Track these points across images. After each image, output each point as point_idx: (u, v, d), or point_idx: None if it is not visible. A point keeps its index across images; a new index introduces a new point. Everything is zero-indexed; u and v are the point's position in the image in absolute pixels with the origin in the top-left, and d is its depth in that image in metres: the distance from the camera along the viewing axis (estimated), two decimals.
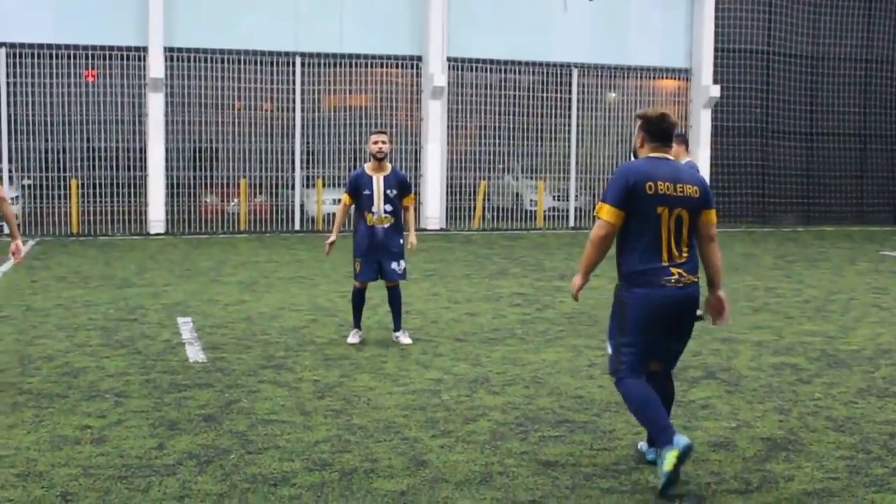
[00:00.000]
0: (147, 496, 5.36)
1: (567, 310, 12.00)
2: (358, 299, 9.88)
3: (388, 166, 9.76)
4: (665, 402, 5.89)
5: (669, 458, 5.36)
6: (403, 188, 9.73)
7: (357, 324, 9.91)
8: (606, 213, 5.62)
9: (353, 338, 9.84)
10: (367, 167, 9.74)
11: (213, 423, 6.79)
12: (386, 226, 9.66)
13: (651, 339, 5.72)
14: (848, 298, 13.24)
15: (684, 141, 11.60)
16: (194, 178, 23.90)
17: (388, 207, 9.64)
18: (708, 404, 7.48)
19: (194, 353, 9.17)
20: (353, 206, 9.86)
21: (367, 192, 9.62)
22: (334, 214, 23.73)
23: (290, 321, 10.99)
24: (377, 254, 9.70)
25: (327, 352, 9.32)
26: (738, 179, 27.82)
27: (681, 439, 5.42)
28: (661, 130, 5.79)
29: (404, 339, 9.84)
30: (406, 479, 5.66)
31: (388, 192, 9.62)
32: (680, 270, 5.65)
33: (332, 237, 9.86)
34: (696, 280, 5.75)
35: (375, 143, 9.61)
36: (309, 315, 11.40)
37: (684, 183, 5.67)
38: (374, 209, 9.62)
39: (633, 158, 5.92)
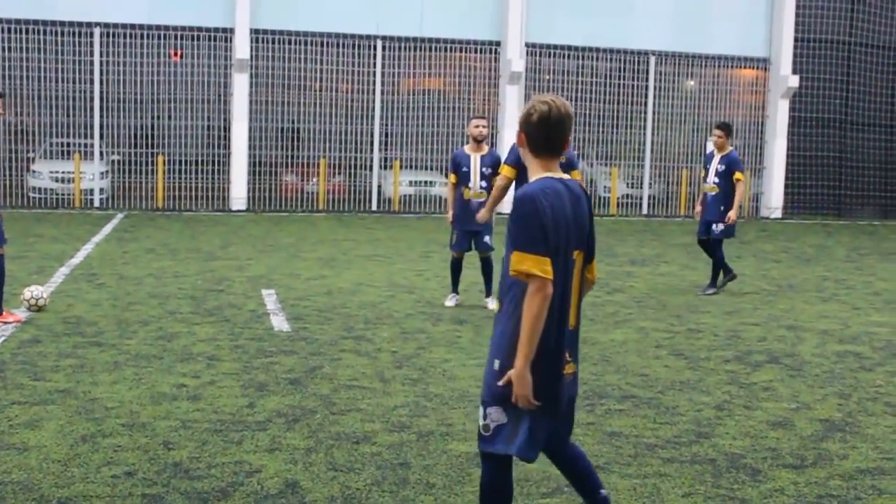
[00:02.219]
0: (241, 448, 5.85)
1: (636, 294, 12.29)
2: (456, 267, 10.97)
3: (486, 147, 10.86)
4: None
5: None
6: (498, 165, 10.50)
7: (454, 288, 11.09)
8: (508, 171, 9.09)
9: (449, 301, 11.01)
10: (467, 148, 10.85)
11: (298, 387, 7.28)
12: (481, 200, 10.61)
13: None
14: None
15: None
16: (276, 157, 24.58)
17: (483, 184, 10.71)
18: (770, 387, 7.75)
19: (279, 323, 9.69)
20: None
21: (465, 168, 10.72)
22: (411, 196, 24.52)
23: (368, 296, 11.46)
24: (471, 225, 10.60)
25: (404, 326, 9.77)
26: (814, 171, 27.65)
27: None
28: None
29: (491, 304, 10.75)
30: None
31: (484, 169, 10.70)
32: None
33: (450, 214, 10.90)
34: None
35: (476, 126, 10.74)
36: (387, 291, 11.87)
37: None
38: (471, 184, 10.70)
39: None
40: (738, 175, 12.20)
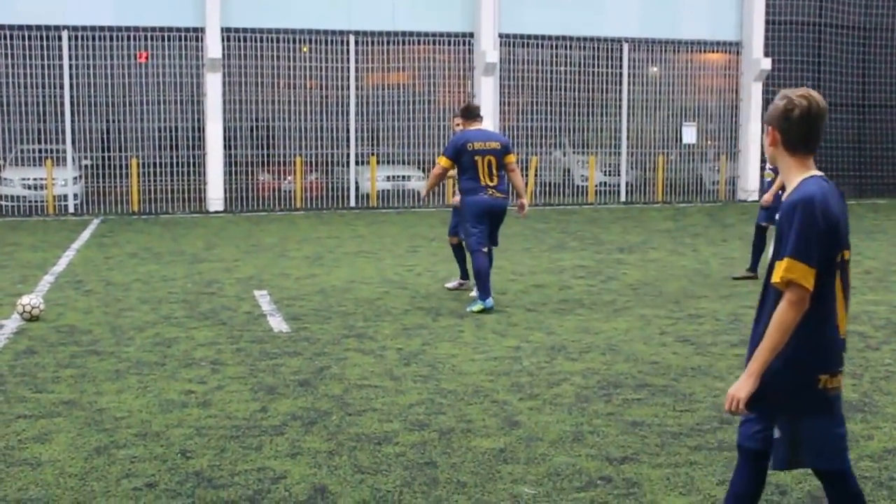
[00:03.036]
0: (261, 454, 5.72)
1: (631, 281, 12.23)
2: (456, 251, 11.52)
3: None
4: (489, 263, 10.08)
5: (476, 307, 9.95)
6: None
7: (462, 275, 11.55)
8: (444, 161, 10.05)
9: (449, 283, 11.61)
10: None
11: (309, 388, 7.14)
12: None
13: (481, 225, 9.97)
14: None
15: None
16: (251, 156, 24.33)
17: None
18: None
19: (277, 324, 9.53)
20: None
21: None
22: (388, 191, 24.36)
23: (363, 293, 11.32)
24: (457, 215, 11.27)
25: (405, 321, 9.64)
26: None
27: (489, 302, 9.93)
28: (469, 112, 10.23)
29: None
30: (502, 438, 5.98)
31: None
32: (492, 190, 9.99)
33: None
34: (502, 196, 10.07)
35: (458, 125, 10.72)
36: (380, 288, 11.73)
37: (489, 141, 10.04)
38: None
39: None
40: None
